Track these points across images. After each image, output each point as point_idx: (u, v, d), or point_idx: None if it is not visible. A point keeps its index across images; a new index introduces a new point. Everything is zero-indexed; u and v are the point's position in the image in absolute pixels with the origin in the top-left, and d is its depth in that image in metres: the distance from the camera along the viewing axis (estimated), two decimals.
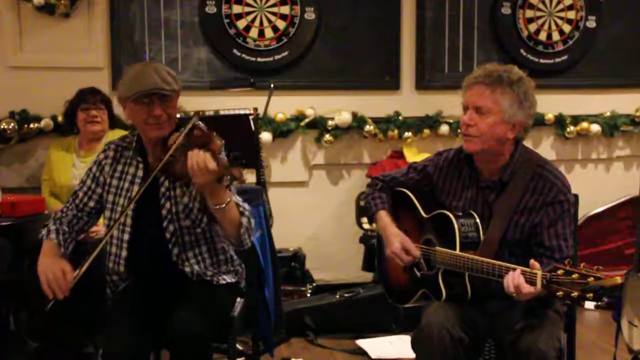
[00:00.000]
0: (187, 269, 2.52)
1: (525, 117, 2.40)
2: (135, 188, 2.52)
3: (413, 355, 2.37)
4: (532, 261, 2.16)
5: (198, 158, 2.24)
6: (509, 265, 2.20)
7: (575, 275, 2.02)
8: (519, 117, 2.38)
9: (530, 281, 2.11)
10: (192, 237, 2.52)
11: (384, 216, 2.64)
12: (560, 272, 2.05)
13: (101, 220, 2.73)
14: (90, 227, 2.71)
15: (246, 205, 2.49)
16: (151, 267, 2.53)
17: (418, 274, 2.54)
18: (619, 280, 2.02)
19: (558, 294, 2.04)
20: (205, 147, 2.29)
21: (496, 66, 2.43)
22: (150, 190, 2.47)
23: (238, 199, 2.47)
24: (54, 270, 2.37)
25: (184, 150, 2.32)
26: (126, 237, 2.52)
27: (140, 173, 2.55)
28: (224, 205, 2.34)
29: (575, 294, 2.01)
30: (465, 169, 2.53)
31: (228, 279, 2.60)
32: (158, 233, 2.50)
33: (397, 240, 2.54)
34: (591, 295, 2.00)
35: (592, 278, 2.00)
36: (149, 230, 2.49)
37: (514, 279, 2.14)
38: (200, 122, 2.42)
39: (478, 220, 2.42)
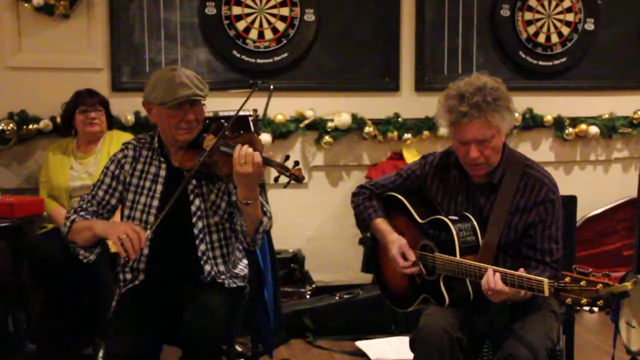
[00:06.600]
0: (207, 267, 2.52)
1: (514, 116, 2.42)
2: (159, 188, 2.55)
3: (412, 356, 2.37)
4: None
5: (246, 150, 2.34)
6: (514, 272, 2.17)
7: (583, 282, 1.99)
8: (512, 121, 2.40)
9: (538, 289, 2.09)
10: (221, 234, 2.56)
11: (380, 223, 2.62)
12: (567, 279, 2.02)
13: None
14: None
15: (268, 207, 2.56)
16: (170, 266, 2.52)
17: (418, 280, 2.51)
18: (629, 286, 1.96)
19: (567, 301, 2.01)
20: (250, 146, 2.38)
21: (463, 86, 2.33)
22: (176, 189, 2.49)
23: (261, 199, 2.50)
24: (125, 230, 2.35)
25: (219, 149, 2.43)
26: (149, 234, 2.49)
27: (163, 173, 2.57)
28: (252, 202, 2.40)
29: (584, 300, 1.98)
30: (454, 172, 2.51)
31: (238, 282, 2.62)
32: (185, 230, 2.51)
33: (394, 246, 2.52)
34: (601, 302, 1.97)
35: (600, 285, 1.96)
36: (175, 227, 2.47)
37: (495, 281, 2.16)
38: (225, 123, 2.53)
39: (475, 222, 2.40)
